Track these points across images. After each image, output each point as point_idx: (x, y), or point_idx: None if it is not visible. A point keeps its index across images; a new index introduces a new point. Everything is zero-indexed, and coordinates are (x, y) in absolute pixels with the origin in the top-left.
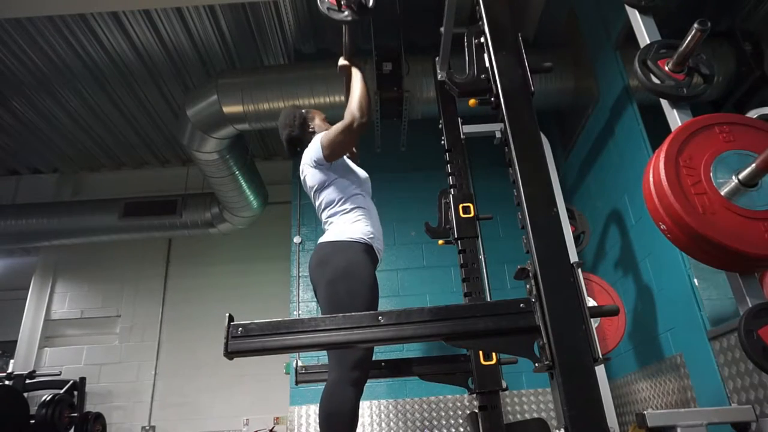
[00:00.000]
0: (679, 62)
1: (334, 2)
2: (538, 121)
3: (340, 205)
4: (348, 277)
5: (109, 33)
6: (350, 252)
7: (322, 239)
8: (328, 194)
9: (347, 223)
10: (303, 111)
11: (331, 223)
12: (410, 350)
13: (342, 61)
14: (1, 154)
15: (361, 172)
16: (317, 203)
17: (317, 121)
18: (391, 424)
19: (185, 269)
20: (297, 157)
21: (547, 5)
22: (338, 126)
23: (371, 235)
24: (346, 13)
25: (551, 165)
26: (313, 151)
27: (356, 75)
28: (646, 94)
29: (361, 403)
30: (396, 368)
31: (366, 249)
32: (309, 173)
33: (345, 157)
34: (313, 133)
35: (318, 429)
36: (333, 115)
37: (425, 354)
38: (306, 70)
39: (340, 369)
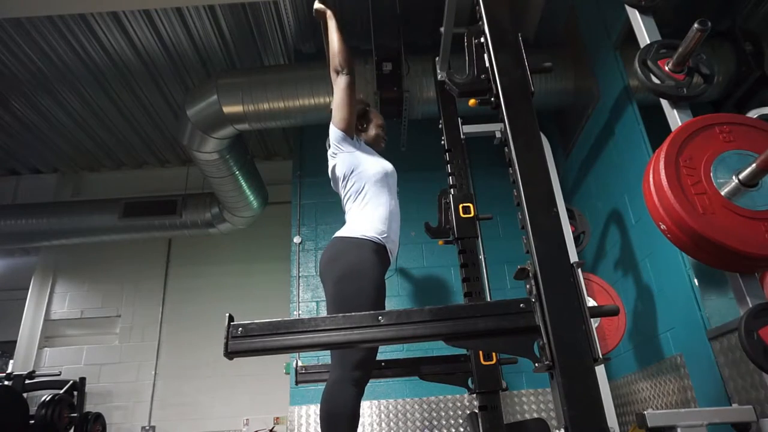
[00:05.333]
0: (679, 62)
1: None
2: (538, 121)
3: (360, 199)
4: (356, 276)
5: (109, 33)
6: (361, 250)
7: (337, 234)
8: (352, 185)
9: (364, 220)
10: (366, 108)
11: (350, 215)
12: (410, 350)
13: (317, 4)
14: (1, 154)
15: (387, 165)
16: (343, 193)
17: (373, 124)
18: (391, 424)
19: (185, 269)
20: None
21: (547, 5)
22: (334, 94)
23: (384, 235)
24: None
25: (551, 165)
26: (332, 137)
27: (331, 25)
28: (646, 94)
29: (361, 403)
30: (396, 368)
31: (377, 249)
32: (338, 161)
33: (371, 148)
34: (361, 130)
35: (318, 429)
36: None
37: (425, 354)
38: (306, 70)
39: (341, 368)
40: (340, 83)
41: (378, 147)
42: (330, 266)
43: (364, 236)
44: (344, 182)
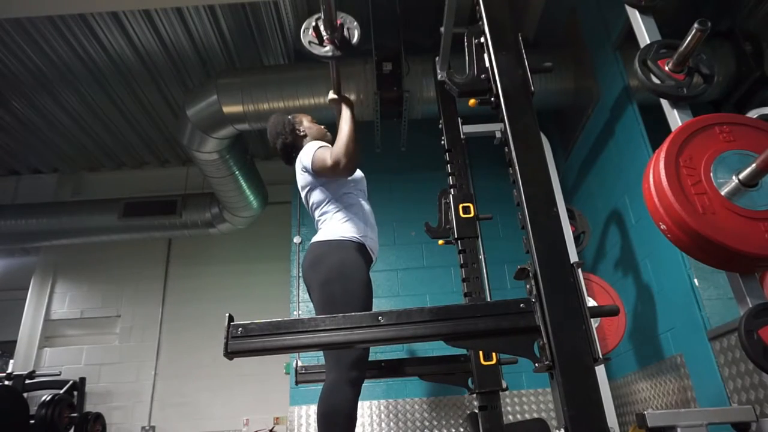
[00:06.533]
0: (679, 62)
1: (316, 36)
2: (538, 121)
3: (329, 204)
4: (342, 277)
5: (109, 33)
6: (343, 251)
7: (315, 239)
8: (318, 194)
9: (338, 222)
10: (290, 117)
11: (323, 221)
12: (410, 350)
13: (331, 95)
14: (1, 154)
15: (356, 172)
16: (309, 203)
17: (306, 124)
18: (391, 424)
19: (185, 269)
20: (293, 162)
21: (547, 5)
22: (329, 157)
23: (363, 234)
24: (328, 48)
25: (551, 165)
26: (305, 159)
27: (345, 115)
28: (646, 94)
29: (360, 403)
30: (396, 368)
31: (358, 248)
32: (300, 176)
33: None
34: (304, 136)
35: (317, 429)
36: (331, 115)
37: (425, 354)
38: (306, 70)
39: (338, 369)
40: (339, 167)
41: (328, 138)
42: (314, 270)
43: (343, 237)
44: (310, 193)
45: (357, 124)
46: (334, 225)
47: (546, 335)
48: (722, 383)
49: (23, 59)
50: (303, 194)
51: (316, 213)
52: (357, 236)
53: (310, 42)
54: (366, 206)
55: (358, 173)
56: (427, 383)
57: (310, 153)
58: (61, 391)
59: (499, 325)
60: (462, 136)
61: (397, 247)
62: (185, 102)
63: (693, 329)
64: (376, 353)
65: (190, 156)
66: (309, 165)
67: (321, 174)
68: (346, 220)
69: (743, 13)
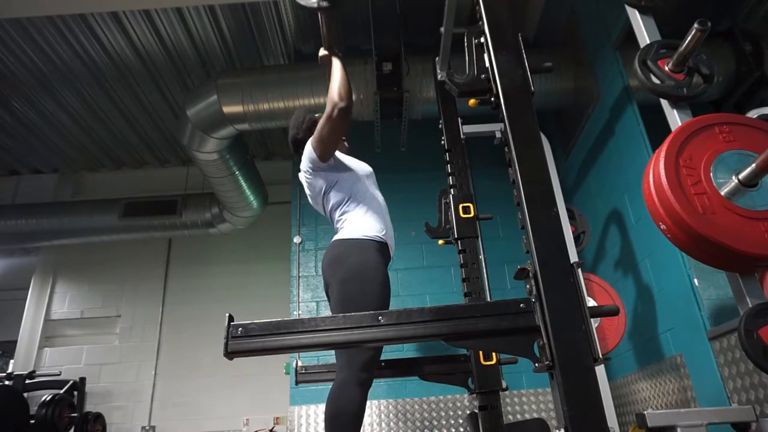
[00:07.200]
0: (679, 62)
1: None
2: (538, 121)
3: (350, 203)
4: (361, 276)
5: (109, 33)
6: (364, 251)
7: (337, 237)
8: (336, 195)
9: (360, 220)
10: (315, 116)
11: (344, 221)
12: (410, 350)
13: (322, 52)
14: (1, 154)
15: (364, 167)
16: (328, 207)
17: None
18: (391, 424)
19: (185, 269)
20: (299, 157)
21: (547, 5)
22: (321, 119)
23: (384, 232)
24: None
25: (551, 165)
26: (307, 157)
27: (335, 63)
28: (646, 94)
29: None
30: (396, 368)
31: (379, 247)
32: (313, 179)
33: (342, 155)
34: None
35: (319, 429)
36: None
37: (425, 354)
38: (306, 70)
39: (349, 369)
40: (334, 113)
41: (343, 149)
42: (334, 268)
43: (365, 236)
44: (326, 196)
45: (347, 71)
46: (356, 223)
47: (546, 335)
48: (722, 383)
49: (23, 59)
50: (320, 201)
51: (336, 213)
52: (380, 235)
53: None
54: (382, 201)
55: (367, 168)
56: (427, 383)
57: (308, 147)
58: (61, 391)
59: (499, 325)
60: (462, 136)
61: (397, 247)
62: (185, 102)
63: (693, 329)
64: None
65: (190, 156)
66: (313, 155)
67: (324, 143)
68: (368, 218)
69: (743, 13)
